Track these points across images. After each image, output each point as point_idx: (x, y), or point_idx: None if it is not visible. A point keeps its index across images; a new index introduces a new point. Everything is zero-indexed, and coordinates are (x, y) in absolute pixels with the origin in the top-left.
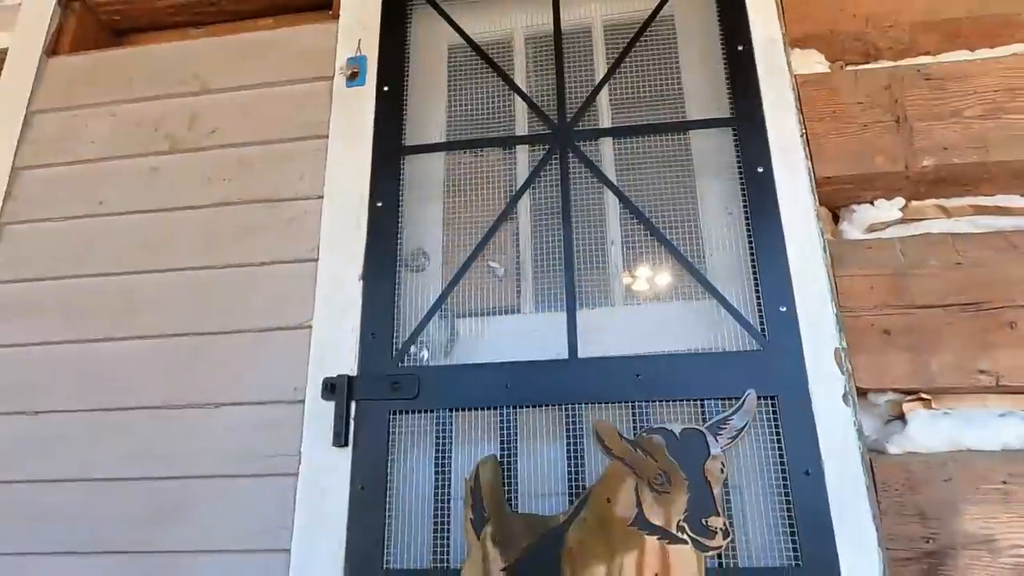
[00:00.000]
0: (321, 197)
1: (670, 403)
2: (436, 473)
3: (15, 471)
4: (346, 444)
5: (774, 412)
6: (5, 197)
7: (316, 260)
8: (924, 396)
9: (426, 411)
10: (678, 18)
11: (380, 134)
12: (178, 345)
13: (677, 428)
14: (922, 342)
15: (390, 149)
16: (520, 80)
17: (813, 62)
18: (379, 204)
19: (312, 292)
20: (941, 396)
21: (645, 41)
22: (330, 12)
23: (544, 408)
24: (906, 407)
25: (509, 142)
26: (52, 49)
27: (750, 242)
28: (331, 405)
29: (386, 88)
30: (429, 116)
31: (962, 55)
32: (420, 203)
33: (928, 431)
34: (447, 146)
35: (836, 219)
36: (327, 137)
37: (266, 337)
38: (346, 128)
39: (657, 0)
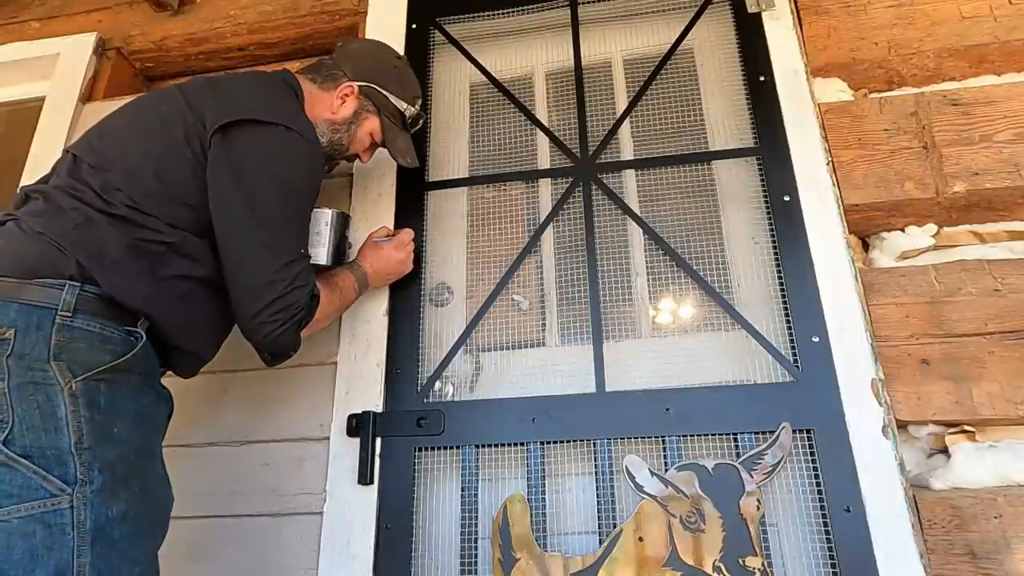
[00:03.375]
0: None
1: (702, 438)
2: (462, 511)
3: None
4: (371, 482)
5: (810, 446)
6: None
7: None
8: (967, 428)
9: (452, 447)
10: (698, 51)
11: (404, 170)
12: (206, 382)
13: (710, 463)
14: (963, 372)
15: (413, 185)
16: (542, 115)
17: (836, 90)
18: None
19: (337, 328)
20: (985, 428)
21: (665, 74)
22: None
23: (572, 443)
24: (949, 440)
25: (532, 176)
26: (87, 96)
27: (779, 272)
28: (356, 442)
29: None
30: (452, 152)
31: (989, 80)
32: (443, 238)
33: (974, 465)
34: (470, 181)
35: (866, 247)
36: (351, 174)
37: (292, 374)
38: (370, 164)
39: (676, 34)
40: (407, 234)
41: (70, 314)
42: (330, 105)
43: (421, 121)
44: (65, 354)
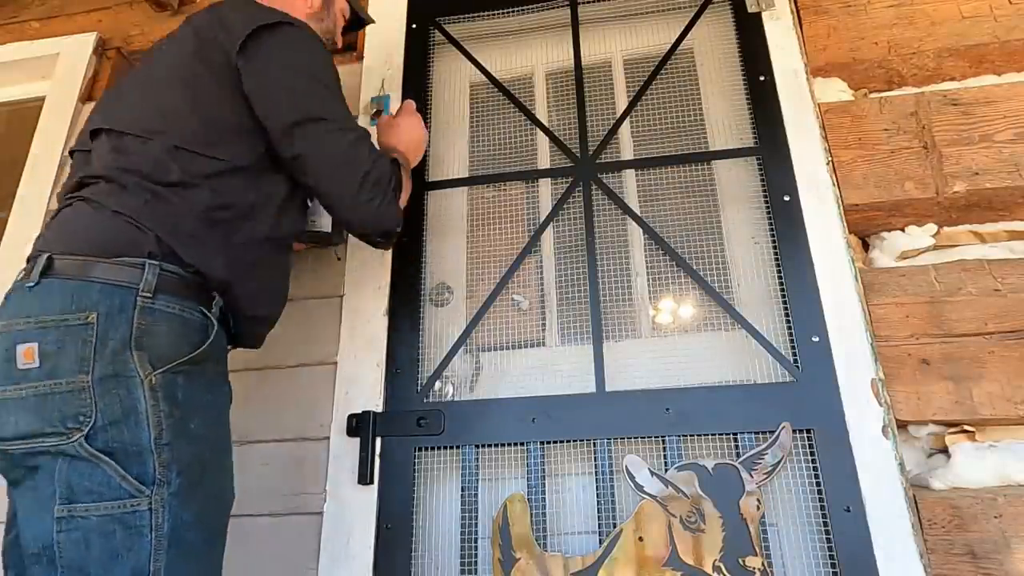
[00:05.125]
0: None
1: (702, 437)
2: (462, 511)
3: None
4: (371, 482)
5: (810, 446)
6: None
7: (341, 296)
8: (967, 428)
9: (452, 447)
10: (697, 51)
11: None
12: None
13: (710, 463)
14: (963, 372)
15: (413, 184)
16: (542, 115)
17: (836, 90)
18: (404, 239)
19: (337, 328)
20: (985, 428)
21: (665, 74)
22: (354, 54)
23: (572, 443)
24: (949, 440)
25: (532, 175)
26: (87, 95)
27: (779, 272)
28: (356, 442)
29: None
30: (451, 152)
31: (989, 79)
32: (443, 238)
33: (974, 465)
34: (470, 181)
35: (866, 247)
36: None
37: (292, 373)
38: None
39: (676, 34)
40: (408, 103)
41: (151, 295)
42: (304, 2)
43: None
44: (146, 339)
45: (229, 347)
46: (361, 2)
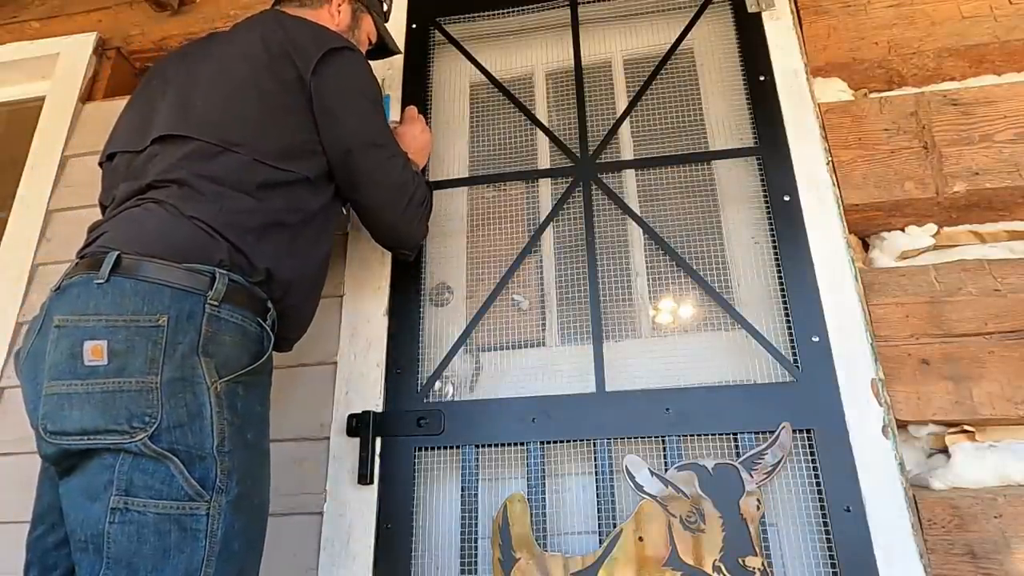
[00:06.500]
0: (346, 233)
1: (702, 437)
2: (462, 511)
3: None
4: (371, 482)
5: (810, 446)
6: (40, 238)
7: (341, 296)
8: (967, 428)
9: (452, 447)
10: (697, 51)
11: None
12: None
13: (710, 463)
14: (963, 372)
15: None
16: (542, 115)
17: (836, 90)
18: None
19: (337, 328)
20: (985, 428)
21: (665, 74)
22: None
23: (572, 443)
24: (949, 440)
25: (532, 175)
26: (87, 96)
27: (779, 272)
28: (356, 442)
29: None
30: (451, 152)
31: (989, 80)
32: (444, 238)
33: (974, 465)
34: (470, 181)
35: (866, 247)
36: None
37: (292, 373)
38: None
39: (676, 34)
40: (410, 110)
41: (218, 304)
42: (331, 19)
43: (389, 3)
44: (211, 347)
45: None
46: (388, 33)
